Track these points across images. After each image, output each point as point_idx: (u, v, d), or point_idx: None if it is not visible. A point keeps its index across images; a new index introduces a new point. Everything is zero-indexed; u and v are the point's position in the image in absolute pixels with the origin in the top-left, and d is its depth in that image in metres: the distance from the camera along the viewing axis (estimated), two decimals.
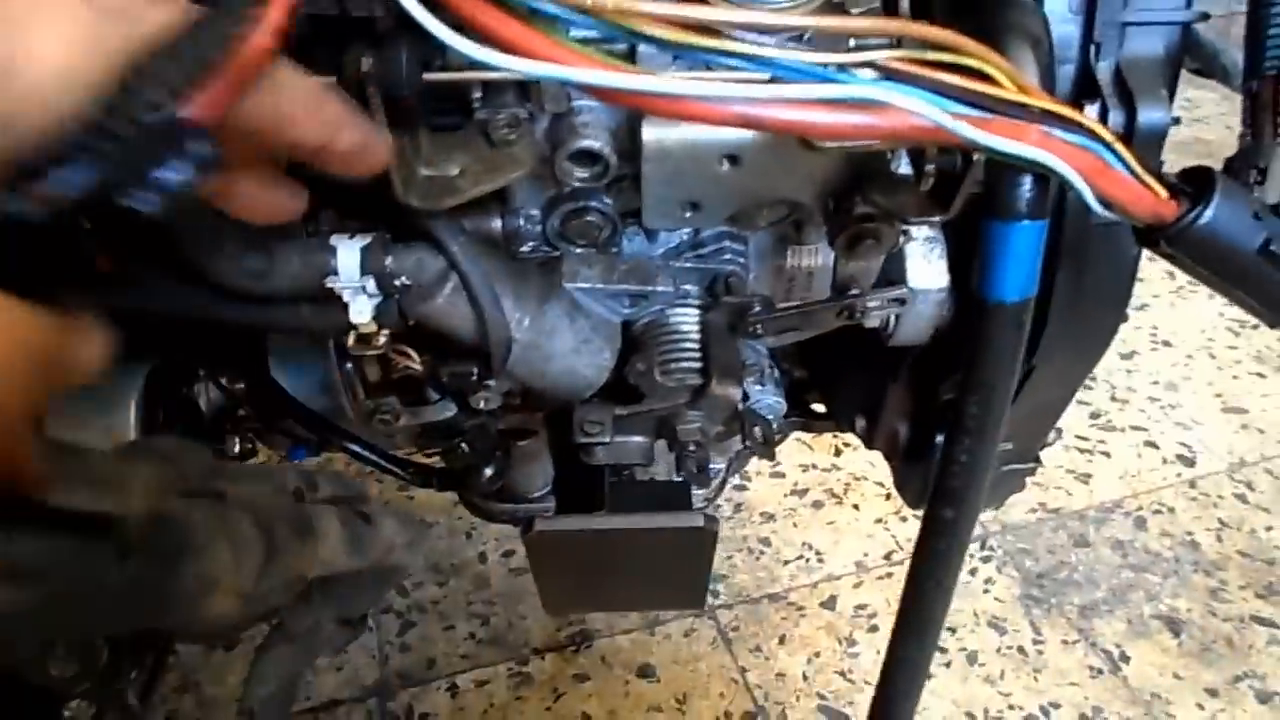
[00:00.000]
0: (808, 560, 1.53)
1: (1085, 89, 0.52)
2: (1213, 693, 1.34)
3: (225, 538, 0.42)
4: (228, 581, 0.42)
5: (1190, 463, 1.71)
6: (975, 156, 0.50)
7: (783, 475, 1.68)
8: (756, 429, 0.70)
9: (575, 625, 1.42)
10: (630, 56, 0.50)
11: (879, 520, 1.60)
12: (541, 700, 1.33)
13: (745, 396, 0.73)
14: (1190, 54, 0.54)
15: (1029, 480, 0.77)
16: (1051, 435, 0.75)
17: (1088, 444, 1.74)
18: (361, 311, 0.56)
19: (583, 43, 0.37)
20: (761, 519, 1.60)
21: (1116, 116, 0.52)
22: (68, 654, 0.51)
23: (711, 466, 0.88)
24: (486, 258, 0.60)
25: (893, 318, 0.67)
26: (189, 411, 0.74)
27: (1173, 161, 0.47)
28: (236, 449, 0.79)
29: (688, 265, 0.67)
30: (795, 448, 1.71)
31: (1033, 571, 1.52)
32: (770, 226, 0.65)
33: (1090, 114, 0.52)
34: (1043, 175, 0.42)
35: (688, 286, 0.67)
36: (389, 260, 0.55)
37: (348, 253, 0.55)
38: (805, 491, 1.65)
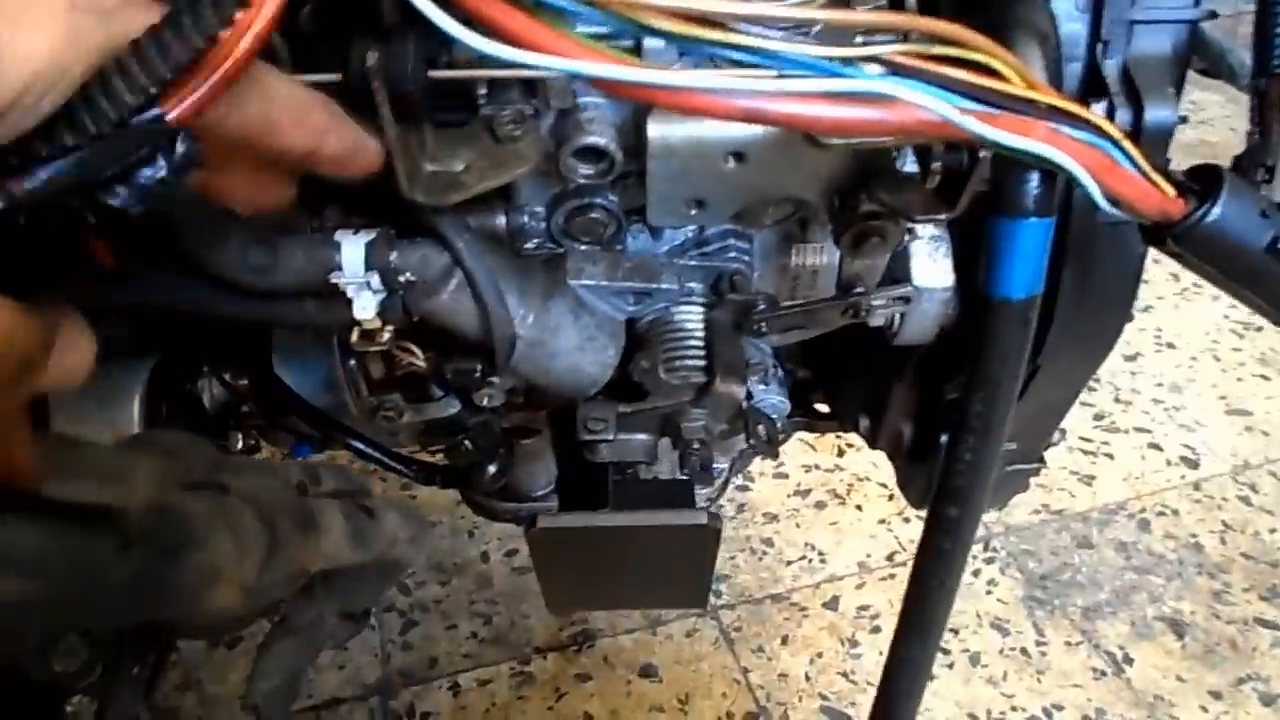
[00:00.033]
0: (810, 561, 1.53)
1: (1092, 87, 0.52)
2: (1216, 695, 1.34)
3: (228, 530, 0.42)
4: (230, 574, 0.42)
5: (1194, 465, 1.71)
6: (982, 153, 0.50)
7: (786, 476, 1.68)
8: (760, 428, 0.70)
9: (577, 625, 1.42)
10: (636, 52, 0.50)
11: (882, 521, 1.60)
12: (543, 700, 1.33)
13: (749, 395, 0.73)
14: (1197, 53, 0.54)
15: (1032, 481, 0.77)
16: (1055, 436, 0.75)
17: (1091, 445, 1.74)
18: (365, 307, 0.56)
19: (589, 38, 0.37)
20: (764, 519, 1.60)
21: (1123, 114, 0.52)
22: (75, 647, 0.51)
23: (715, 465, 0.88)
24: (491, 254, 0.60)
25: (897, 316, 0.67)
26: (192, 407, 0.74)
27: (1177, 163, 0.47)
28: (240, 445, 0.79)
29: (692, 263, 0.67)
30: (798, 448, 1.71)
31: (1036, 573, 1.51)
32: (775, 224, 0.65)
33: (1097, 111, 0.51)
34: (1050, 172, 0.41)
35: (692, 284, 0.67)
36: (393, 256, 0.55)
37: (352, 248, 0.55)
38: (808, 492, 1.65)
